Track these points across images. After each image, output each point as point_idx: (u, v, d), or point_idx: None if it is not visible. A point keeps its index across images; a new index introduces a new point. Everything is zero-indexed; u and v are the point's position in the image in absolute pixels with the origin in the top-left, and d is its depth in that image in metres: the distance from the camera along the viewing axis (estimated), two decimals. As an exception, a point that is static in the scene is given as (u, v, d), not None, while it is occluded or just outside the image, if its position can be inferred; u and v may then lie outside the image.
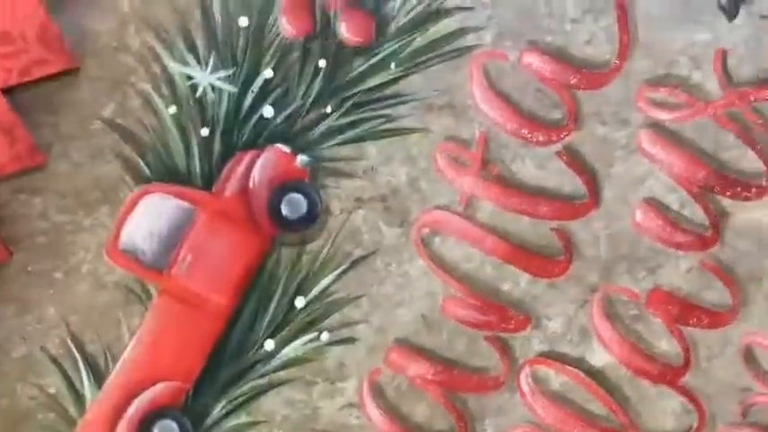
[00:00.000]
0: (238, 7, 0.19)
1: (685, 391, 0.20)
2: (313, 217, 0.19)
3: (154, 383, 0.19)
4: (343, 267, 0.19)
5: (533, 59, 0.19)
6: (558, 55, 0.19)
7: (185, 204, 0.19)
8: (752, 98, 0.20)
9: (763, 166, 0.20)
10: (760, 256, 0.20)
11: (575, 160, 0.19)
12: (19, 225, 0.18)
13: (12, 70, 0.18)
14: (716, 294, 0.20)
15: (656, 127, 0.20)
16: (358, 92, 0.19)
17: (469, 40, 0.19)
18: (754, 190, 0.20)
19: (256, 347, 0.19)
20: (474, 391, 0.19)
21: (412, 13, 0.19)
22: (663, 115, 0.20)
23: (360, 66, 0.19)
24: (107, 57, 0.18)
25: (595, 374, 0.20)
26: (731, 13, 0.20)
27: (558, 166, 0.20)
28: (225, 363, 0.19)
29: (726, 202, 0.20)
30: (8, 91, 0.18)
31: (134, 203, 0.19)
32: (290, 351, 0.19)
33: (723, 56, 0.20)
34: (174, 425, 0.19)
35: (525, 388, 0.20)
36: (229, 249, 0.19)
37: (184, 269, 0.18)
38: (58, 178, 0.18)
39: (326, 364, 0.19)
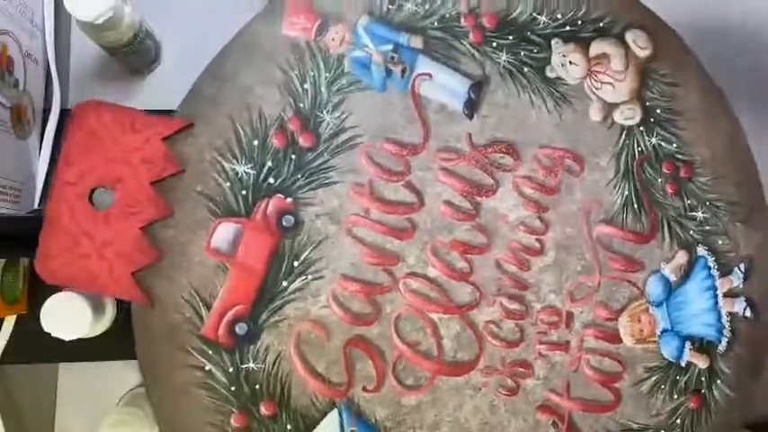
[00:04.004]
0: (253, 134, 0.33)
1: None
2: (297, 225, 0.34)
3: (232, 307, 0.32)
4: (313, 246, 0.34)
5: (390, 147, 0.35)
6: (394, 143, 0.35)
7: (238, 225, 0.33)
8: (484, 153, 0.36)
9: (490, 180, 0.36)
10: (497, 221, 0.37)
11: (411, 186, 0.35)
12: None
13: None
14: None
15: (445, 169, 0.36)
16: (309, 170, 0.34)
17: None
18: (489, 192, 0.37)
19: (278, 285, 0.33)
20: (378, 294, 0.35)
21: (329, 130, 0.34)
22: (446, 164, 0.36)
23: (309, 158, 0.34)
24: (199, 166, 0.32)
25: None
26: (470, 115, 0.36)
27: (405, 191, 0.35)
28: (263, 294, 0.33)
29: (479, 198, 0.37)
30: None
31: (216, 226, 0.33)
32: (293, 285, 0.34)
33: (469, 135, 0.36)
34: (245, 325, 0.33)
35: (402, 288, 0.35)
36: (260, 243, 0.33)
37: (242, 254, 0.33)
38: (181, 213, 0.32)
39: (311, 288, 0.34)
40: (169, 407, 0.33)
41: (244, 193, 0.34)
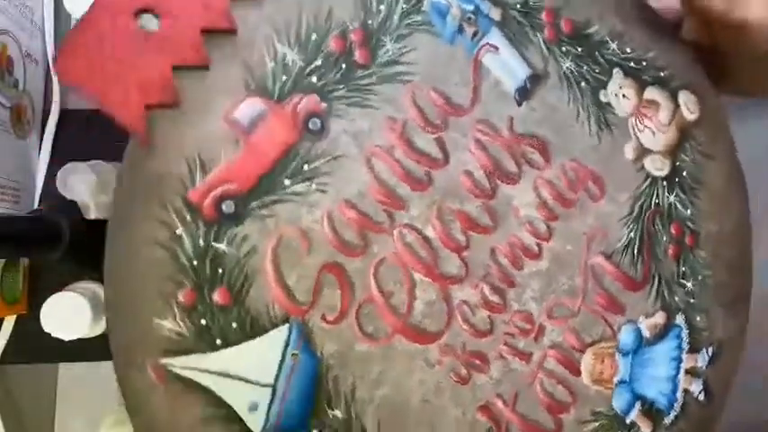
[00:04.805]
0: (316, 27, 0.33)
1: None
2: (322, 131, 0.33)
3: (228, 182, 0.31)
4: (329, 158, 0.34)
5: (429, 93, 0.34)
6: (441, 95, 0.35)
7: (266, 107, 0.32)
8: (519, 141, 0.36)
9: (516, 169, 0.36)
10: (508, 210, 0.36)
11: (442, 144, 0.35)
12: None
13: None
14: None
15: (479, 142, 0.36)
16: (354, 86, 0.33)
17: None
18: (511, 180, 0.36)
19: (281, 181, 0.32)
20: (372, 231, 0.33)
21: (386, 56, 0.34)
22: (482, 136, 0.36)
23: (358, 74, 0.33)
24: (252, 35, 0.32)
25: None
26: (520, 102, 0.36)
27: (434, 145, 0.35)
28: (262, 183, 0.32)
29: (499, 182, 0.37)
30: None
31: (244, 98, 0.32)
32: (295, 187, 0.32)
33: (511, 119, 0.36)
34: (233, 204, 0.31)
35: (396, 235, 0.34)
36: (280, 132, 0.32)
37: (258, 135, 0.32)
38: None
39: (311, 198, 0.33)
40: (125, 258, 0.31)
41: (284, 78, 0.33)
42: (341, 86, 0.34)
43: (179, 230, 0.32)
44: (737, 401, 0.44)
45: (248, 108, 0.33)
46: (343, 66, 0.35)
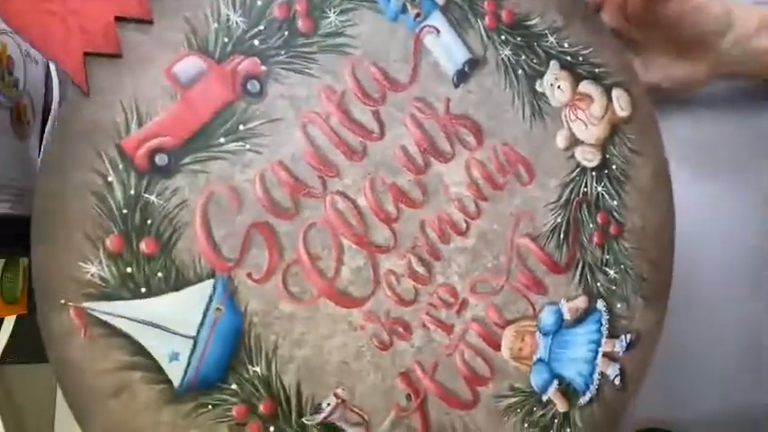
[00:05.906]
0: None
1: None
2: (260, 94, 0.34)
3: (163, 135, 0.32)
4: (265, 121, 0.35)
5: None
6: (381, 70, 0.36)
7: (206, 66, 0.33)
8: (454, 121, 0.38)
9: (449, 148, 0.38)
10: (438, 186, 0.38)
11: (378, 117, 0.37)
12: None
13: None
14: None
15: (414, 118, 0.38)
16: (295, 53, 0.35)
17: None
18: (443, 158, 0.38)
19: (215, 138, 0.33)
20: (304, 195, 0.35)
21: (329, 28, 0.35)
22: (418, 114, 0.38)
23: (299, 42, 0.35)
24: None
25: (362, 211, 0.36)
26: (457, 84, 0.39)
27: (371, 118, 0.37)
28: (197, 139, 0.33)
29: (432, 159, 0.38)
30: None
31: (184, 57, 0.33)
32: (229, 146, 0.34)
33: (448, 100, 0.38)
34: (166, 158, 0.32)
35: (328, 201, 0.35)
36: (218, 91, 0.34)
37: (196, 92, 0.33)
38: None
39: (244, 158, 0.34)
40: (55, 200, 0.32)
41: (226, 40, 0.34)
42: (282, 52, 0.36)
43: (110, 178, 0.33)
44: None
45: (188, 65, 0.34)
46: (286, 33, 0.36)
